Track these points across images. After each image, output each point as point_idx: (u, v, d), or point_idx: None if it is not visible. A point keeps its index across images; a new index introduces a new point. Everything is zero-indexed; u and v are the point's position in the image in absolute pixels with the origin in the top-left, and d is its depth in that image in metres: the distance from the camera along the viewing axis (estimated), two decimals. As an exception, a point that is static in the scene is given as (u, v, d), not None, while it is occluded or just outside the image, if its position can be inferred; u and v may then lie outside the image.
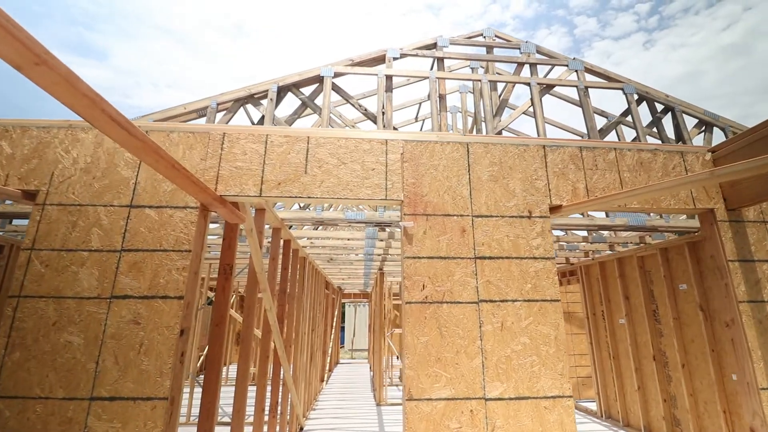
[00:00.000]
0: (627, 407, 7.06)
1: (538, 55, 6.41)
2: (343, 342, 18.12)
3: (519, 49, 6.37)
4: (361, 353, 17.56)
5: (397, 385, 10.36)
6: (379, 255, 7.96)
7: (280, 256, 5.74)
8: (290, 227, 7.68)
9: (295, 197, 2.76)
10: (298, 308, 6.17)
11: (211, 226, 6.70)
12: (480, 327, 2.61)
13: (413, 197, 2.82)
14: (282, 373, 5.30)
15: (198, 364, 12.21)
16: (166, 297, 2.58)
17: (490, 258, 2.75)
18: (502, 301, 2.67)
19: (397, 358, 10.95)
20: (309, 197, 2.77)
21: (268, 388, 5.22)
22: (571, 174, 3.01)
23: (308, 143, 2.88)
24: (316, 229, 7.96)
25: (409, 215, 2.78)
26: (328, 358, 11.67)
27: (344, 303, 18.54)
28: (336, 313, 13.51)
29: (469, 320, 2.61)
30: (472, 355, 2.55)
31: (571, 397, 2.54)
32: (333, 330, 12.79)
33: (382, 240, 7.56)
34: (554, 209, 2.91)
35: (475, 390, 2.50)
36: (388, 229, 7.42)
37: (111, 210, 2.73)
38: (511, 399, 2.51)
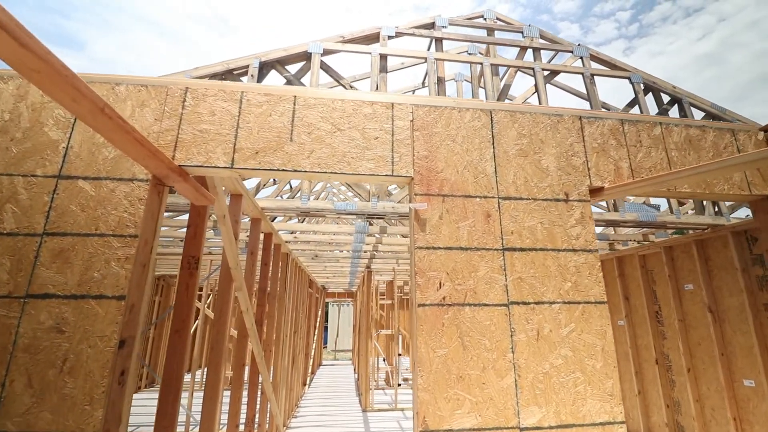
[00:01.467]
0: (626, 413, 6.62)
1: (541, 40, 5.90)
2: (325, 342, 17.37)
3: (521, 32, 5.85)
4: (345, 354, 16.86)
5: (383, 389, 9.73)
6: (367, 252, 7.33)
7: (260, 251, 5.05)
8: (273, 220, 6.98)
9: (277, 170, 2.12)
10: (280, 309, 5.49)
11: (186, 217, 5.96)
12: (511, 336, 2.02)
13: (426, 173, 2.21)
14: (260, 380, 4.60)
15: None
16: (101, 297, 1.89)
17: (521, 250, 2.16)
18: (537, 303, 2.09)
19: (384, 360, 10.33)
20: (295, 170, 2.13)
21: (244, 398, 4.52)
22: (612, 151, 2.46)
23: (295, 104, 2.24)
24: (302, 221, 7.28)
25: (421, 195, 2.17)
26: (311, 360, 10.95)
27: (327, 302, 17.79)
28: (319, 313, 12.80)
29: (498, 327, 2.02)
30: (502, 373, 1.96)
31: (623, 423, 1.98)
32: (316, 331, 12.08)
33: (371, 235, 6.94)
34: (595, 192, 2.36)
35: (507, 417, 1.91)
36: (379, 222, 6.80)
37: (32, 181, 2.02)
38: (551, 428, 1.92)
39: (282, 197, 7.62)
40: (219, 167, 2.10)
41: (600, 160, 2.42)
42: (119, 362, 1.88)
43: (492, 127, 2.36)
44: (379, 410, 7.79)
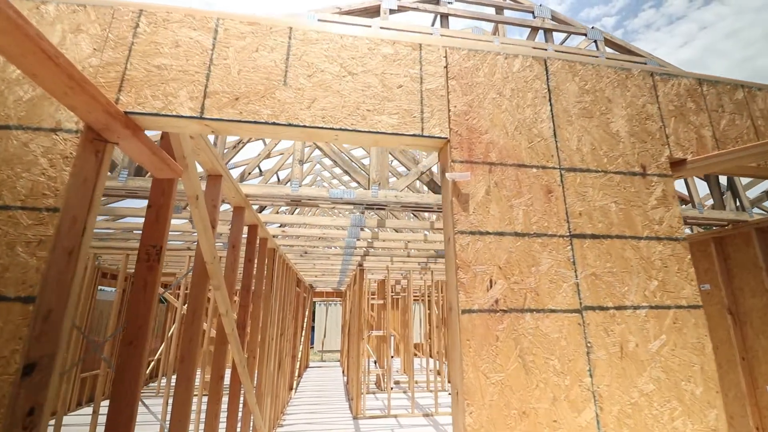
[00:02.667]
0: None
1: (552, 21, 5.38)
2: (312, 343, 16.64)
3: (532, 13, 5.32)
4: (332, 355, 16.15)
5: (374, 393, 9.11)
6: (360, 249, 6.71)
7: (243, 245, 4.40)
8: (260, 212, 6.29)
9: (265, 123, 1.49)
10: (266, 310, 4.82)
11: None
12: (587, 354, 1.45)
13: (466, 134, 1.62)
14: (243, 390, 3.92)
15: (147, 371, 10.45)
16: (-2, 299, 1.24)
17: (592, 236, 1.60)
18: (617, 308, 1.53)
19: (375, 362, 9.71)
20: (290, 124, 1.50)
21: (224, 409, 3.86)
22: (692, 116, 1.92)
23: (290, 38, 1.62)
24: (293, 212, 6.62)
25: (461, 163, 1.58)
26: (298, 362, 10.25)
27: (314, 302, 17.06)
28: (307, 313, 12.11)
29: (570, 342, 1.45)
30: (578, 405, 1.39)
31: (735, 471, 1.43)
32: (303, 332, 11.38)
33: (365, 230, 6.33)
34: (676, 164, 1.81)
35: (588, 469, 1.33)
36: (375, 217, 6.20)
37: None
38: (647, 483, 1.36)
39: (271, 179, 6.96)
40: (183, 117, 1.46)
41: (679, 126, 1.87)
42: (23, 396, 1.23)
43: (547, 79, 1.78)
44: (371, 417, 7.17)
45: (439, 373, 8.83)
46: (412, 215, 7.34)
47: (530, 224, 1.55)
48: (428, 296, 9.64)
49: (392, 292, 12.02)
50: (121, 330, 1.96)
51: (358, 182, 4.12)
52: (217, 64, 1.54)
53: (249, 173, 6.12)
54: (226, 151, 4.99)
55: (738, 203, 4.73)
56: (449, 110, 1.64)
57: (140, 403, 4.57)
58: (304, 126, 1.52)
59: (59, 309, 1.34)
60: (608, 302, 1.52)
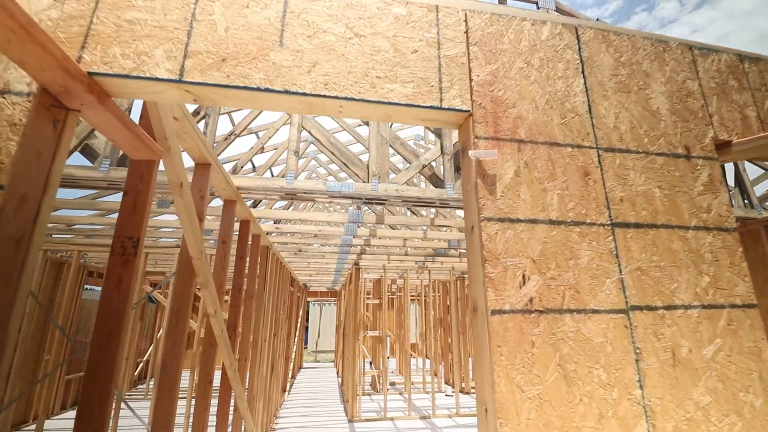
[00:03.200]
0: None
1: (556, 13, 5.18)
2: (306, 343, 16.33)
3: (536, 3, 5.12)
4: (326, 355, 15.86)
5: (369, 395, 8.87)
6: (357, 246, 6.46)
7: (234, 242, 4.14)
8: (255, 207, 6.01)
9: (257, 88, 1.25)
10: (258, 310, 4.56)
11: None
12: (636, 362, 1.23)
13: (491, 107, 1.39)
14: (233, 395, 3.66)
15: (135, 373, 10.08)
16: None
17: (636, 226, 1.38)
18: (667, 307, 1.31)
19: (370, 363, 9.47)
20: (286, 91, 1.26)
21: (213, 417, 3.59)
22: (734, 94, 1.71)
23: (288, -7, 1.38)
24: (288, 208, 6.35)
25: (486, 139, 1.35)
26: (291, 363, 9.97)
27: (308, 301, 16.76)
28: (301, 313, 11.82)
29: (616, 348, 1.23)
30: (628, 422, 1.16)
31: (805, 497, 1.22)
32: (297, 332, 11.09)
33: (364, 226, 6.10)
34: (721, 147, 1.60)
35: (643, 500, 1.11)
36: (371, 211, 5.97)
37: None
38: None
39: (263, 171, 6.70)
40: (159, 79, 1.21)
41: (722, 106, 1.67)
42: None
43: (579, 49, 1.56)
44: (367, 420, 6.93)
45: (435, 374, 8.61)
46: (409, 212, 7.12)
47: (566, 211, 1.33)
48: (424, 296, 9.42)
49: (388, 291, 11.79)
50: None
51: (357, 175, 3.88)
52: (200, 20, 1.30)
53: (241, 167, 5.83)
54: (215, 144, 4.71)
55: (746, 200, 4.58)
56: (471, 80, 1.41)
57: (125, 406, 4.25)
58: (304, 93, 1.27)
59: (3, 313, 1.09)
60: (657, 301, 1.30)
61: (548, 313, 1.21)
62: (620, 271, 1.30)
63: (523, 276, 1.23)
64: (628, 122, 1.51)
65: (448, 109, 1.36)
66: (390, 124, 4.57)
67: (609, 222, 1.35)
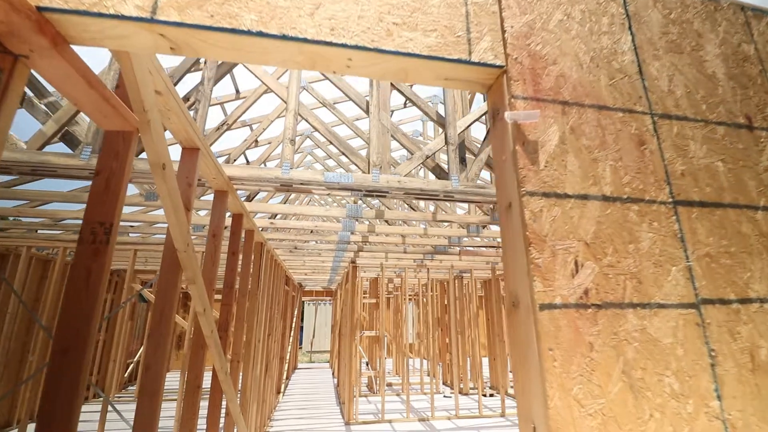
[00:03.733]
0: None
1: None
2: (301, 343, 16.02)
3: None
4: (322, 355, 15.55)
5: (366, 396, 8.61)
6: (356, 243, 6.20)
7: (226, 238, 3.87)
8: (248, 200, 5.73)
9: (248, 32, 1.00)
10: (251, 309, 4.29)
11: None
12: (712, 367, 1.00)
13: (528, 63, 1.16)
14: (224, 400, 3.39)
15: (126, 374, 9.72)
16: None
17: (701, 204, 1.15)
18: (741, 301, 1.09)
19: (367, 364, 9.21)
20: (284, 36, 1.02)
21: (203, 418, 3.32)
22: (793, 60, 1.50)
23: (286, -75, 1.13)
24: (285, 202, 6.07)
25: (524, 99, 1.11)
26: (286, 364, 9.68)
27: (303, 301, 16.45)
28: (296, 313, 11.54)
29: (688, 350, 1.00)
30: (707, 443, 0.94)
31: None
32: (292, 332, 10.80)
33: (363, 221, 5.85)
34: (785, 118, 1.38)
35: None
36: (368, 207, 5.72)
37: None
38: None
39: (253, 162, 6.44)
40: (126, 18, 0.96)
41: (782, 72, 1.45)
42: None
43: (624, 2, 1.34)
44: (364, 422, 6.67)
45: (433, 375, 8.38)
46: (408, 207, 6.88)
47: (621, 185, 1.10)
48: (422, 295, 9.19)
49: (385, 291, 11.54)
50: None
51: (357, 165, 3.63)
52: (178, -51, 1.05)
53: (234, 161, 5.56)
54: (205, 135, 4.43)
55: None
56: (504, 31, 1.18)
57: (112, 408, 3.91)
58: (305, 40, 1.03)
59: None
60: (730, 293, 1.08)
61: (607, 308, 0.97)
62: (687, 257, 1.07)
63: (576, 262, 0.99)
64: (683, 86, 1.28)
65: (479, 63, 1.12)
66: (391, 113, 4.32)
67: (671, 199, 1.12)
